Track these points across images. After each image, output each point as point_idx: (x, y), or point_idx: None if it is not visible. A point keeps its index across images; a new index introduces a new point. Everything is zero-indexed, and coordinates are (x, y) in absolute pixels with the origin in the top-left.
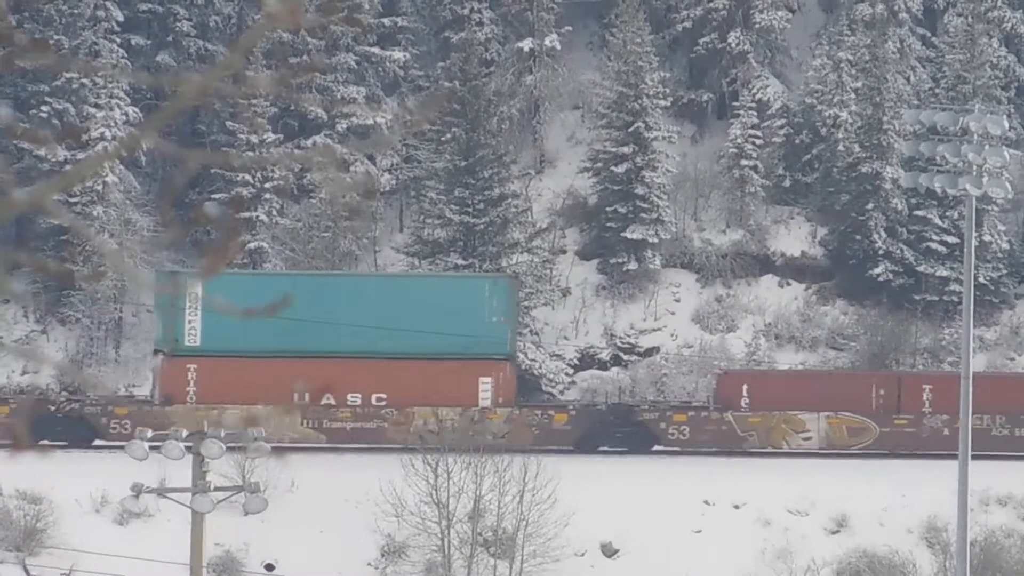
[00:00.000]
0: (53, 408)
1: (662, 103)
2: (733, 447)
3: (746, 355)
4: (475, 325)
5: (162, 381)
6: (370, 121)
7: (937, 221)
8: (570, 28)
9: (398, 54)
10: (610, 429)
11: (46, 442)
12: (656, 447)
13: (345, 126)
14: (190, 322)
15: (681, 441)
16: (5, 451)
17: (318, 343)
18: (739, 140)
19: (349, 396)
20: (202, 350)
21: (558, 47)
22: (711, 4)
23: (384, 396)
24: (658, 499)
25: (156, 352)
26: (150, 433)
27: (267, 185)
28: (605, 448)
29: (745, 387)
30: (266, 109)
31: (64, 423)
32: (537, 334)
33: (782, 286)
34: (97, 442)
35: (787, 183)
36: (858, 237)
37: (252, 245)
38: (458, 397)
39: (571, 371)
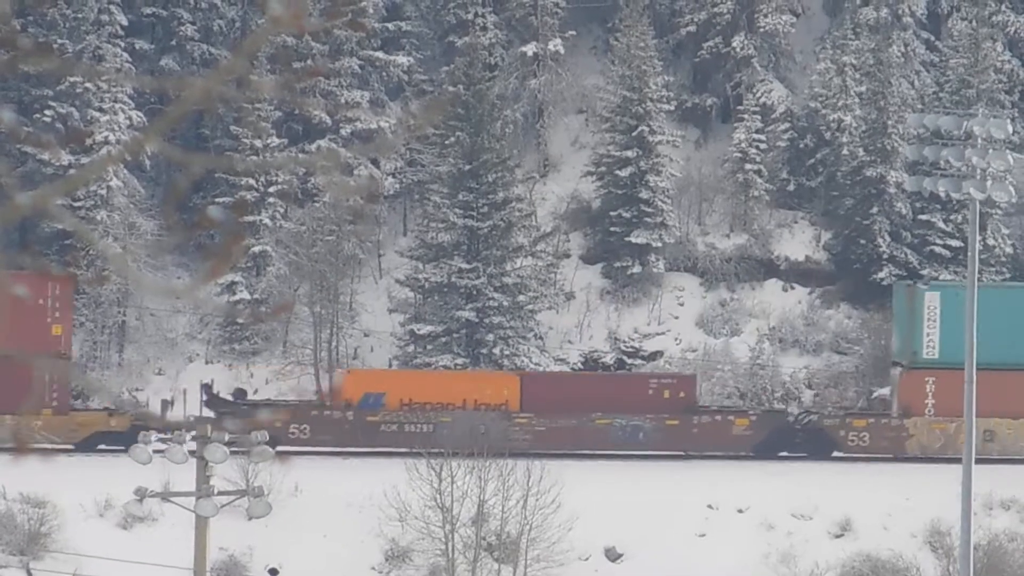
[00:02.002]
0: (791, 420)
1: (666, 107)
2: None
3: (750, 359)
4: None
5: (900, 393)
6: (374, 125)
7: (941, 225)
8: (574, 32)
9: (402, 58)
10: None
11: (784, 453)
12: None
13: (349, 130)
14: (928, 335)
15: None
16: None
17: None
18: (743, 144)
19: None
20: (940, 363)
21: (562, 51)
22: (715, 8)
23: None
24: (662, 503)
25: (895, 364)
26: (153, 436)
27: (271, 189)
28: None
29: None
30: (270, 113)
31: (803, 435)
32: (541, 338)
33: (786, 290)
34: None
35: (791, 187)
36: (862, 241)
37: (256, 249)
38: None
39: None
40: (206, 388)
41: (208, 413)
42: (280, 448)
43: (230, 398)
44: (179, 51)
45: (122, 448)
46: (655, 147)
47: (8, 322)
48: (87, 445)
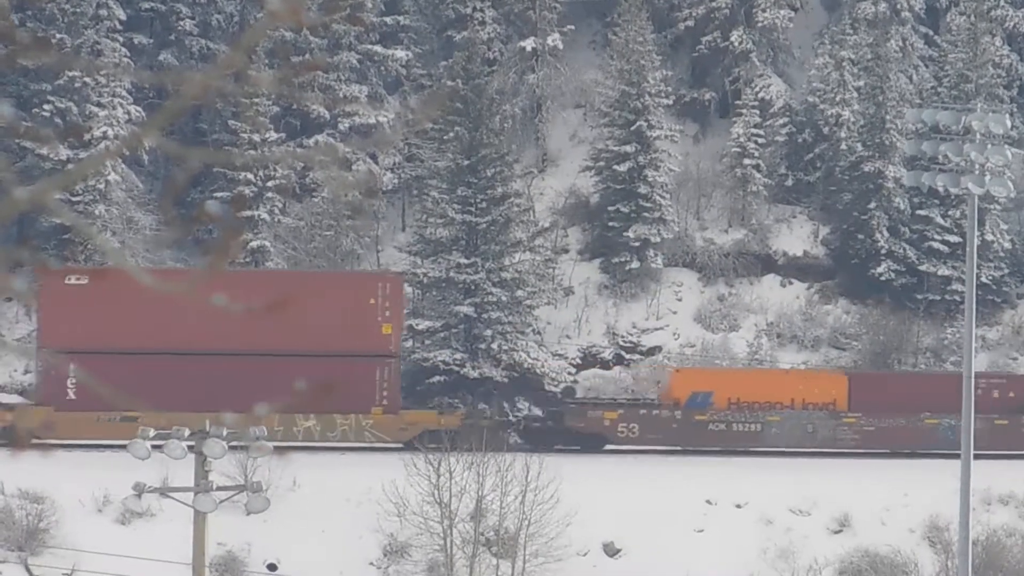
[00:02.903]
0: None
1: (664, 102)
2: None
3: (748, 354)
4: None
5: None
6: (372, 120)
7: (939, 220)
8: (572, 27)
9: (400, 53)
10: None
11: None
12: None
13: (347, 125)
14: None
15: None
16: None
17: None
18: (741, 139)
19: None
20: None
21: (560, 46)
22: (713, 3)
23: None
24: (660, 499)
25: None
26: (152, 432)
27: (269, 184)
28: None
29: None
30: (268, 108)
31: None
32: (539, 333)
33: (784, 285)
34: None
35: (789, 182)
36: (860, 236)
37: (254, 244)
38: None
39: (573, 370)
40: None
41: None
42: (609, 447)
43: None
44: (177, 46)
45: (445, 448)
46: (653, 142)
47: (341, 322)
48: (415, 444)
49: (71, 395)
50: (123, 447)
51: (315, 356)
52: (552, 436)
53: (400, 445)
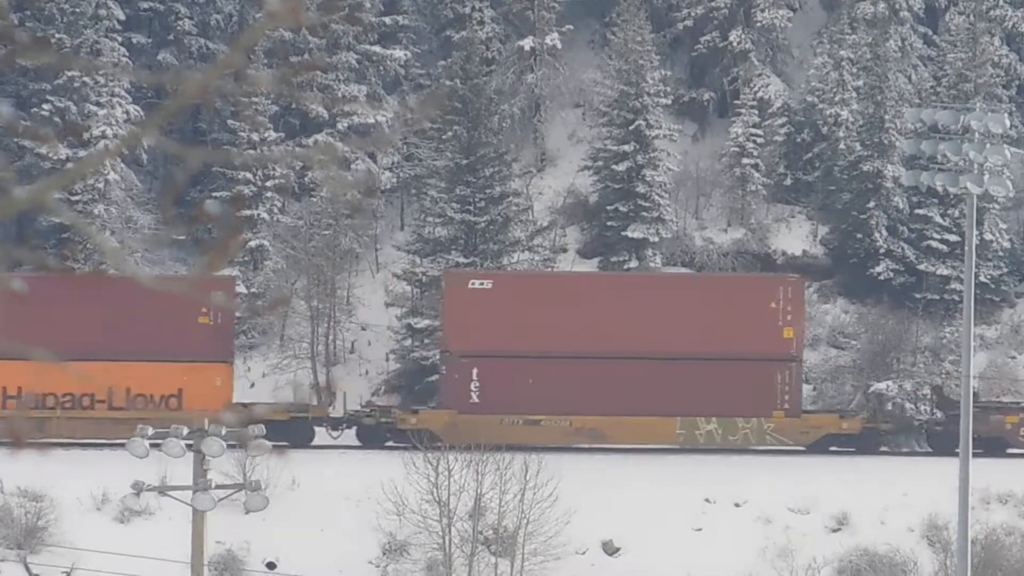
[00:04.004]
0: None
1: (663, 101)
2: None
3: None
4: None
5: None
6: (371, 119)
7: (938, 219)
8: (571, 27)
9: (399, 53)
10: None
11: None
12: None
13: (346, 124)
14: None
15: None
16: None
17: None
18: (740, 139)
19: None
20: None
21: (559, 46)
22: (712, 3)
23: None
24: (659, 497)
25: None
26: (150, 431)
27: (268, 183)
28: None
29: None
30: (267, 107)
31: None
32: None
33: None
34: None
35: (788, 182)
36: (859, 235)
37: (253, 243)
38: None
39: None
40: (936, 390)
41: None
42: (1009, 451)
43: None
44: (176, 45)
45: (854, 450)
46: (652, 141)
47: (742, 326)
48: (818, 447)
49: (474, 398)
50: (122, 445)
51: (715, 360)
52: (953, 440)
53: (802, 448)
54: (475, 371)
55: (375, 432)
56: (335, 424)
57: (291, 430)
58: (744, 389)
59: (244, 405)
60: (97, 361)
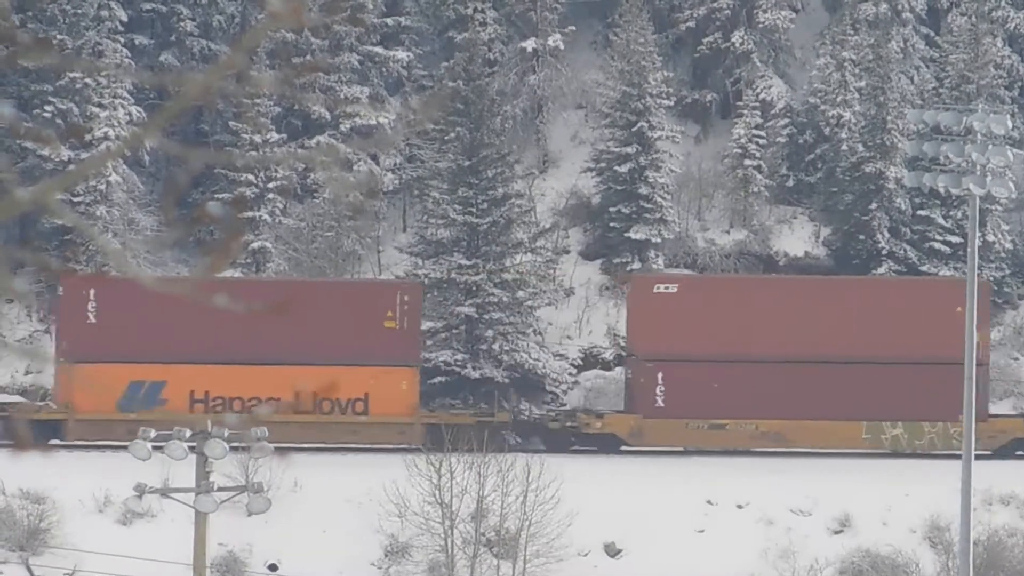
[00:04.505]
0: None
1: (666, 103)
2: None
3: None
4: None
5: None
6: (373, 121)
7: (941, 221)
8: (573, 28)
9: (401, 54)
10: None
11: None
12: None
13: (348, 126)
14: None
15: None
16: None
17: None
18: (743, 140)
19: None
20: None
21: (561, 47)
22: (715, 4)
23: None
24: (661, 499)
25: None
26: (153, 432)
27: (270, 185)
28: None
29: None
30: (269, 109)
31: None
32: (540, 334)
33: None
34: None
35: (790, 183)
36: (861, 237)
37: (255, 245)
38: None
39: (574, 371)
40: None
41: None
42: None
43: None
44: (178, 47)
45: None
46: (654, 143)
47: (929, 329)
48: (1005, 452)
49: (659, 403)
50: (124, 447)
51: (901, 364)
52: None
53: (989, 452)
54: (660, 375)
55: (560, 437)
56: (521, 429)
57: (478, 434)
58: (930, 393)
59: (431, 409)
60: (285, 365)
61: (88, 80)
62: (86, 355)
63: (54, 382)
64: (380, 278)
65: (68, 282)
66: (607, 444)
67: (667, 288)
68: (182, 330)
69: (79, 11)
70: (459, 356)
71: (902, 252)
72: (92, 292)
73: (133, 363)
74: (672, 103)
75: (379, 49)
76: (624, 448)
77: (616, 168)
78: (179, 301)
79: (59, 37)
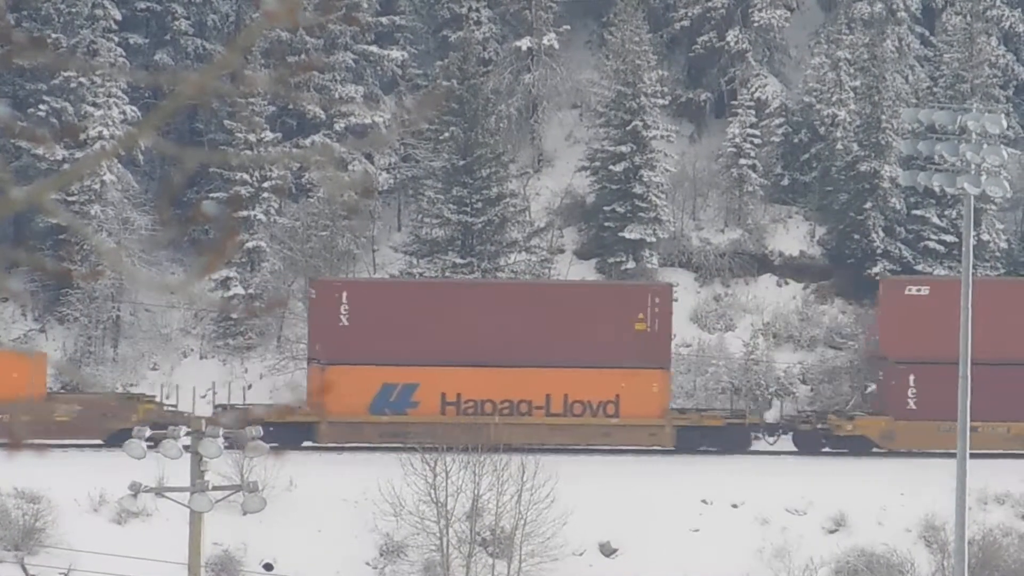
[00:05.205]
0: None
1: (660, 102)
2: None
3: (744, 355)
4: None
5: None
6: (368, 120)
7: (935, 220)
8: (568, 27)
9: (396, 53)
10: None
11: None
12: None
13: (343, 125)
14: None
15: None
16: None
17: None
18: (737, 139)
19: None
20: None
21: (556, 46)
22: (709, 3)
23: None
24: (656, 498)
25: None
26: (148, 432)
27: (265, 184)
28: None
29: None
30: (264, 108)
31: None
32: None
33: (780, 285)
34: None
35: (785, 182)
36: (856, 236)
37: (250, 244)
38: None
39: None
40: None
41: None
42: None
43: None
44: (173, 46)
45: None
46: (649, 142)
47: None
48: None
49: (911, 405)
50: (119, 446)
51: None
52: None
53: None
54: (912, 377)
55: (811, 438)
56: (771, 431)
57: (728, 437)
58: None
59: (681, 411)
60: (536, 368)
61: (83, 79)
62: (338, 357)
63: (306, 384)
64: (633, 281)
65: (320, 285)
66: (858, 446)
67: (918, 291)
68: (434, 332)
69: (73, 10)
70: None
71: (897, 251)
72: (344, 294)
73: (385, 365)
74: (667, 102)
75: (374, 48)
76: (875, 450)
77: (611, 167)
78: (431, 303)
79: (54, 36)
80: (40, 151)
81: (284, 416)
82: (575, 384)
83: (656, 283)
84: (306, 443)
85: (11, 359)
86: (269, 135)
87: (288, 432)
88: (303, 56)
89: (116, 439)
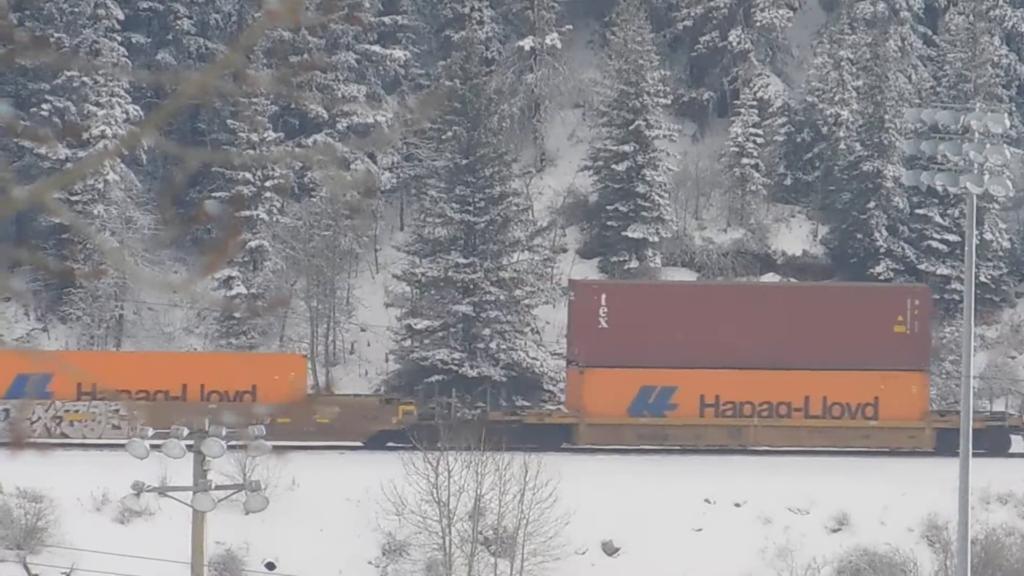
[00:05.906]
0: None
1: (663, 101)
2: None
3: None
4: None
5: None
6: (371, 119)
7: (938, 219)
8: (571, 26)
9: (399, 52)
10: None
11: None
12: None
13: (346, 124)
14: None
15: None
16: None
17: None
18: (740, 138)
19: None
20: None
21: (559, 45)
22: (712, 2)
23: None
24: (659, 497)
25: None
26: (151, 431)
27: (267, 183)
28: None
29: None
30: (266, 107)
31: None
32: (538, 332)
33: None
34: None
35: (788, 182)
36: (859, 235)
37: (252, 243)
38: None
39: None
40: None
41: None
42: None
43: None
44: (175, 45)
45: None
46: (652, 141)
47: None
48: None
49: None
50: (122, 446)
51: None
52: None
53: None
54: None
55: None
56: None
57: (987, 439)
58: None
59: (940, 413)
60: (795, 370)
61: (85, 79)
62: (598, 360)
63: (566, 386)
64: (892, 283)
65: (580, 287)
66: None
67: None
68: (693, 335)
69: (76, 9)
70: (456, 355)
71: (900, 250)
72: (603, 297)
73: (644, 368)
74: (669, 102)
75: (376, 48)
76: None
77: (613, 167)
78: (689, 306)
79: (56, 36)
80: (43, 150)
81: (543, 418)
82: (834, 386)
83: (915, 285)
84: (564, 445)
85: (275, 361)
86: (271, 134)
87: (547, 433)
88: (305, 56)
89: (376, 441)
